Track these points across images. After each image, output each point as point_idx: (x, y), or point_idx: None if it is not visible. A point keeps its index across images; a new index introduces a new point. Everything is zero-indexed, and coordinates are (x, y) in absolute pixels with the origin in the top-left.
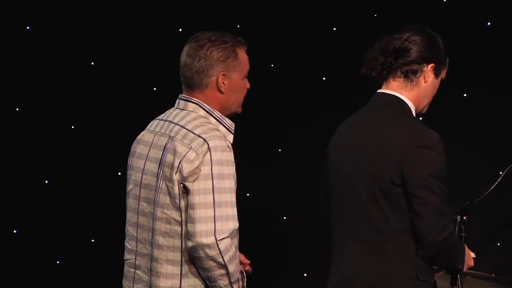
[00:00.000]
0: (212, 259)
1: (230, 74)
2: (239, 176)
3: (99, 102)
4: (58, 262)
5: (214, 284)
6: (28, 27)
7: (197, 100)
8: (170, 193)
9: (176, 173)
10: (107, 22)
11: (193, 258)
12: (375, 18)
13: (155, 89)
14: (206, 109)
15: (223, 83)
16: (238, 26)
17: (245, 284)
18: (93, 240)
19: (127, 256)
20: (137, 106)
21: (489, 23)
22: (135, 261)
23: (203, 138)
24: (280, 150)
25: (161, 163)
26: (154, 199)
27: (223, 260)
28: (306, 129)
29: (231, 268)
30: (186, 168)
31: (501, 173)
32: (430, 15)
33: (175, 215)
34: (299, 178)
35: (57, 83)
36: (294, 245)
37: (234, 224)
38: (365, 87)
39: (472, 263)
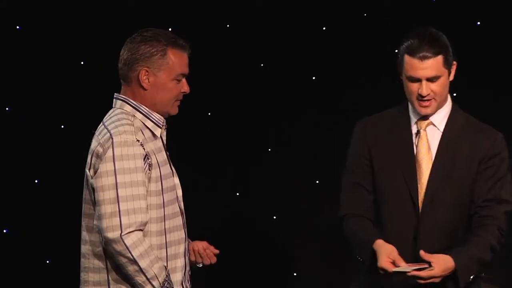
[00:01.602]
0: (121, 254)
1: (155, 72)
2: (230, 175)
3: (89, 102)
4: (48, 262)
5: (133, 281)
6: (18, 27)
7: (124, 96)
8: (88, 189)
9: (90, 169)
10: (97, 21)
11: None
12: (365, 17)
13: None
14: (133, 104)
15: (147, 79)
16: (228, 25)
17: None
18: None
19: None
20: None
21: (478, 23)
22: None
23: (110, 133)
24: (270, 149)
25: (87, 161)
26: (84, 196)
27: (132, 256)
28: (296, 128)
29: (143, 263)
30: (95, 164)
31: None
32: (419, 15)
33: (95, 210)
34: (289, 178)
35: (46, 82)
36: (284, 244)
37: (142, 217)
38: (356, 87)
39: (385, 265)
